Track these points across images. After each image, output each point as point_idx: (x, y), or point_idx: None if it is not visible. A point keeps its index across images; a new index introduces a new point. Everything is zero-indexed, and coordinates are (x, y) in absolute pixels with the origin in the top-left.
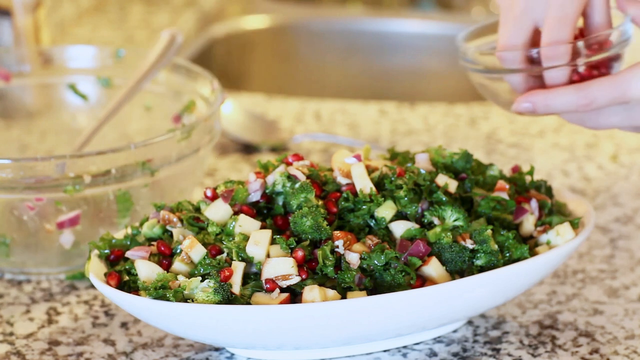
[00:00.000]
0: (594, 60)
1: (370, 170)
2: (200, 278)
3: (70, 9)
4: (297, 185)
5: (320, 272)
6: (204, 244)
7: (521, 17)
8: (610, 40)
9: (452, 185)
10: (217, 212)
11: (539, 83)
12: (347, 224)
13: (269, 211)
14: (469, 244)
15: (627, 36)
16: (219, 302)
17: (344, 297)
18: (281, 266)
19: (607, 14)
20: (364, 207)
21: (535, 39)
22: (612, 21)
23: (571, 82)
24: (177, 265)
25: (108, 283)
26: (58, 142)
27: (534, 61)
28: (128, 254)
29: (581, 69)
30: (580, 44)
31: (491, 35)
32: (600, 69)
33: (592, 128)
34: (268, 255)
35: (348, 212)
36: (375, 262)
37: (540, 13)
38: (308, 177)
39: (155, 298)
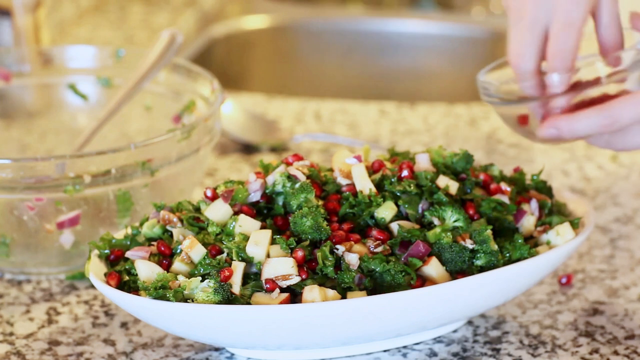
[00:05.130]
0: (613, 80)
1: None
2: (200, 278)
3: (70, 9)
4: (297, 186)
5: (320, 272)
6: (204, 244)
7: (532, 25)
8: (629, 60)
9: (453, 186)
10: (217, 212)
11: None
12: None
13: (269, 211)
14: (469, 244)
15: None
16: (219, 302)
17: (344, 297)
18: (281, 266)
19: (616, 18)
20: (363, 207)
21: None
22: (626, 37)
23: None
24: (177, 265)
25: (108, 283)
26: (58, 142)
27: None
28: (128, 254)
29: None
30: (600, 64)
31: (508, 68)
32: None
33: (621, 150)
34: (268, 255)
35: (348, 213)
36: (374, 267)
37: (550, 20)
38: (308, 177)
39: (155, 298)
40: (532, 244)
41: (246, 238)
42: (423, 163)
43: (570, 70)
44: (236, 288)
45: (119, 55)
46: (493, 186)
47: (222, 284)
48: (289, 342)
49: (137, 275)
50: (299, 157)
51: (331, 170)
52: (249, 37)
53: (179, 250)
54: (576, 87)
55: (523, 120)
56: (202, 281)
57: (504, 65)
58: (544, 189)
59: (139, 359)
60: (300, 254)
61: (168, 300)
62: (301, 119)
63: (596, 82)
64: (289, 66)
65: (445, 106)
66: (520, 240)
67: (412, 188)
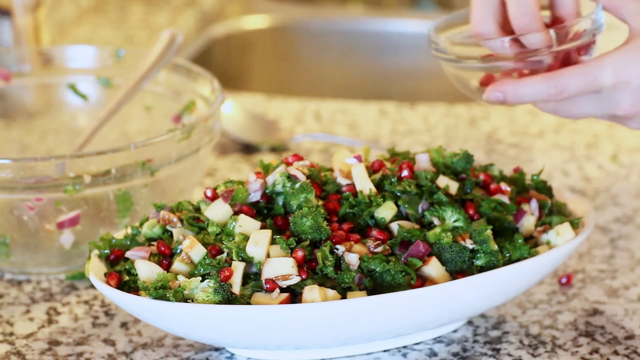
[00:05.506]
0: (565, 48)
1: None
2: (200, 278)
3: (70, 9)
4: (297, 186)
5: (320, 272)
6: (204, 244)
7: None
8: (583, 29)
9: (453, 186)
10: (217, 212)
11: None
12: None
13: (269, 211)
14: (469, 244)
15: (599, 24)
16: (219, 302)
17: (344, 297)
18: (281, 266)
19: None
20: (363, 207)
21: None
22: (582, 8)
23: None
24: (177, 265)
25: (108, 283)
26: (58, 142)
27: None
28: (128, 254)
29: (550, 59)
30: (552, 32)
31: (463, 25)
32: (572, 58)
33: (566, 117)
34: (268, 255)
35: (348, 213)
36: (374, 267)
37: None
38: (308, 177)
39: (155, 298)
40: (532, 244)
41: (246, 238)
42: (423, 163)
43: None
44: (236, 288)
45: (119, 55)
46: (493, 186)
47: (222, 284)
48: (289, 342)
49: (137, 275)
50: (299, 157)
51: (331, 170)
52: (249, 37)
53: (179, 250)
54: (530, 52)
55: (486, 80)
56: (202, 281)
57: (457, 23)
58: (544, 189)
59: (139, 359)
60: (300, 254)
61: (168, 300)
62: (301, 119)
63: (549, 48)
64: (289, 66)
65: (445, 106)
66: (520, 240)
67: (412, 188)
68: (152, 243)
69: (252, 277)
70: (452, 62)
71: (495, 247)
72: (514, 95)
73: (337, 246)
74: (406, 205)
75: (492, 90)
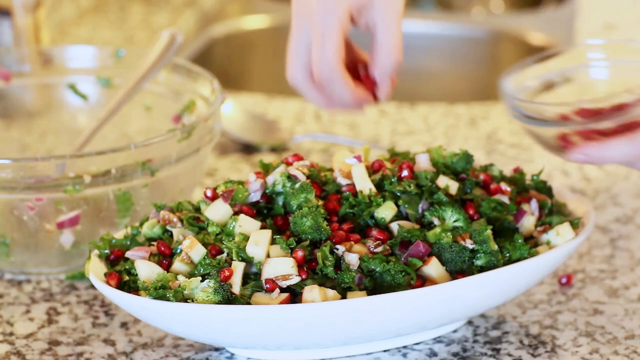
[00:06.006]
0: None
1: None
2: (200, 278)
3: (70, 9)
4: (297, 186)
5: (320, 272)
6: (204, 244)
7: (296, 39)
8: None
9: (453, 186)
10: (217, 212)
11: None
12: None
13: (269, 211)
14: (469, 244)
15: None
16: (219, 302)
17: (344, 297)
18: (281, 266)
19: (390, 37)
20: (363, 207)
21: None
22: None
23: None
24: (177, 265)
25: (108, 283)
26: (58, 142)
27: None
28: (128, 254)
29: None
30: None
31: (532, 73)
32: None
33: None
34: (268, 255)
35: (348, 213)
36: (374, 267)
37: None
38: (308, 177)
39: (155, 298)
40: (532, 244)
41: (246, 238)
42: (423, 163)
43: (340, 78)
44: (236, 288)
45: (119, 55)
46: (493, 186)
47: (222, 284)
48: (289, 342)
49: (137, 275)
50: (299, 157)
51: (331, 170)
52: (249, 37)
53: (179, 250)
54: (608, 112)
55: (564, 139)
56: (202, 281)
57: (525, 67)
58: (544, 189)
59: (139, 359)
60: (300, 254)
61: (168, 300)
62: (301, 119)
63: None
64: None
65: (445, 106)
66: (520, 240)
67: (412, 188)
68: (152, 243)
69: (252, 277)
70: (527, 122)
71: (495, 247)
72: (599, 158)
73: (337, 246)
74: (406, 205)
75: (576, 152)
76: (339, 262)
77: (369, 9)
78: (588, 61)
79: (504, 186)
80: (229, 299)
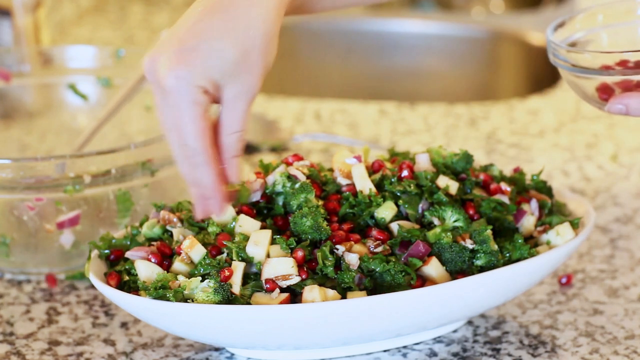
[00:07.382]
0: None
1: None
2: (200, 278)
3: (70, 9)
4: (297, 186)
5: (320, 272)
6: (204, 244)
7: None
8: None
9: (453, 186)
10: None
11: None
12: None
13: (269, 211)
14: (469, 244)
15: None
16: (219, 302)
17: (344, 297)
18: (281, 266)
19: (238, 117)
20: (363, 207)
21: None
22: None
23: None
24: (177, 265)
25: (108, 283)
26: (58, 142)
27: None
28: (128, 254)
29: None
30: None
31: (579, 26)
32: None
33: None
34: (268, 255)
35: (348, 213)
36: (374, 267)
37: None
38: (308, 177)
39: (155, 298)
40: (532, 244)
41: (246, 238)
42: (423, 163)
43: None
44: (236, 288)
45: (119, 55)
46: (493, 186)
47: (222, 284)
48: (289, 342)
49: (137, 275)
50: (299, 157)
51: (331, 170)
52: None
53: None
54: None
55: (603, 87)
56: (202, 281)
57: (568, 22)
58: (544, 189)
59: (139, 359)
60: (300, 254)
61: (168, 300)
62: (301, 119)
63: None
64: (289, 66)
65: (445, 106)
66: (520, 240)
67: (412, 188)
68: (152, 243)
69: (252, 277)
70: (570, 70)
71: (495, 247)
72: (637, 109)
73: (337, 246)
74: (406, 205)
75: (615, 102)
76: (339, 262)
77: (221, 87)
78: (636, 18)
79: (504, 186)
80: (229, 299)
